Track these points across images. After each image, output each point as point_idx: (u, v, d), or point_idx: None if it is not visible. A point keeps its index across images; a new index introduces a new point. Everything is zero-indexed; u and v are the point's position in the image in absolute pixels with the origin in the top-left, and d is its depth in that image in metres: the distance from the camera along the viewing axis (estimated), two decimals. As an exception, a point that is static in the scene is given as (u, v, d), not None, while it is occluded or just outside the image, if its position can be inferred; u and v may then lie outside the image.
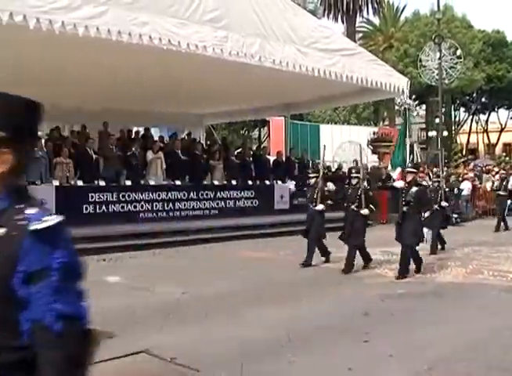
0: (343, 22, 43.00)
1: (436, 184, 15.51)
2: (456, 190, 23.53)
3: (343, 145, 29.41)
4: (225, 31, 14.02)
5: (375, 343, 6.54)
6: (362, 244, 11.58)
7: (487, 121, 56.19)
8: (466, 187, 24.14)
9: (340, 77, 16.95)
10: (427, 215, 10.88)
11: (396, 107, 43.96)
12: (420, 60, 31.33)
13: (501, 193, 20.58)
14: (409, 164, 11.40)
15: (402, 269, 10.66)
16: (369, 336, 6.76)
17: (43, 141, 16.42)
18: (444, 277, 11.00)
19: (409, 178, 11.04)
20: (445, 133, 37.58)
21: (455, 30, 41.01)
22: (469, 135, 55.74)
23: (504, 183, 20.75)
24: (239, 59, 14.36)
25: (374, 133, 23.92)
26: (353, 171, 12.76)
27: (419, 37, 40.68)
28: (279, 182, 19.89)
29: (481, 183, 26.88)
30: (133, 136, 19.71)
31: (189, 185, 17.75)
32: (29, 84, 15.74)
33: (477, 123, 56.59)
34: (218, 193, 17.93)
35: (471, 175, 26.43)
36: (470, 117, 54.80)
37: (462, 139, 54.52)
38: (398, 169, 12.26)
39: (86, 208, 14.81)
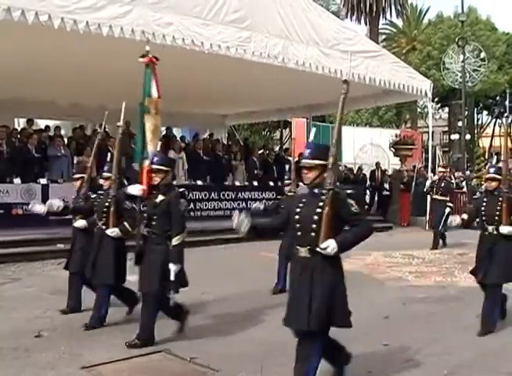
0: (366, 24, 42.73)
1: (288, 189, 9.98)
2: (477, 194, 23.37)
3: (364, 147, 29.31)
4: (249, 32, 14.05)
5: (395, 347, 6.51)
6: (114, 283, 7.44)
7: (510, 124, 55.66)
8: (488, 191, 23.88)
9: (363, 79, 16.92)
10: (175, 242, 6.76)
11: (419, 110, 43.98)
12: (444, 63, 31.17)
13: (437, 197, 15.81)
14: (157, 159, 6.89)
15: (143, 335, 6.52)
16: (389, 340, 6.73)
17: (66, 140, 16.54)
18: (465, 282, 10.89)
19: (157, 179, 6.79)
20: (468, 136, 37.34)
21: (479, 32, 40.68)
22: (492, 139, 55.28)
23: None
24: (262, 60, 14.37)
25: (396, 136, 23.79)
26: (105, 167, 7.99)
27: (442, 39, 40.41)
28: (301, 184, 19.81)
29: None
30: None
31: (210, 185, 17.80)
32: (52, 84, 15.94)
33: (500, 126, 56.08)
34: (240, 194, 17.95)
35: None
36: (493, 120, 54.38)
37: (484, 142, 54.11)
38: (140, 165, 7.28)
39: (108, 207, 14.88)
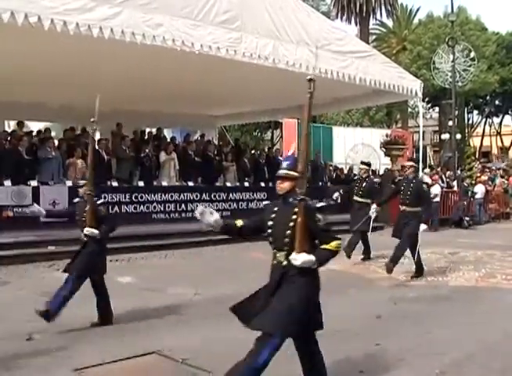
0: (356, 24, 42.95)
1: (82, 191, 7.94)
2: (469, 193, 23.47)
3: (355, 147, 29.37)
4: (239, 33, 14.04)
5: (387, 346, 6.51)
6: None
7: (500, 123, 55.98)
8: (479, 190, 24.02)
9: (354, 80, 16.94)
10: None
11: (409, 110, 44.09)
12: (434, 63, 31.21)
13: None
14: None
15: None
16: (381, 339, 6.73)
17: (56, 142, 16.49)
18: (456, 281, 10.94)
19: None
20: (459, 136, 37.45)
21: (468, 32, 40.87)
22: (482, 138, 55.52)
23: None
24: (252, 61, 14.38)
25: (387, 136, 23.82)
26: None
27: (432, 39, 40.55)
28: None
29: (494, 186, 26.77)
30: (146, 137, 19.74)
31: (201, 186, 17.77)
32: (42, 86, 15.89)
33: (490, 126, 56.38)
34: (231, 195, 17.94)
35: (485, 178, 26.31)
36: (484, 119, 54.60)
37: (475, 141, 54.36)
38: None
39: (99, 209, 14.82)
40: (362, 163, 14.08)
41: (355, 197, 13.30)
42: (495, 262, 13.21)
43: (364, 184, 13.27)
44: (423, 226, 10.69)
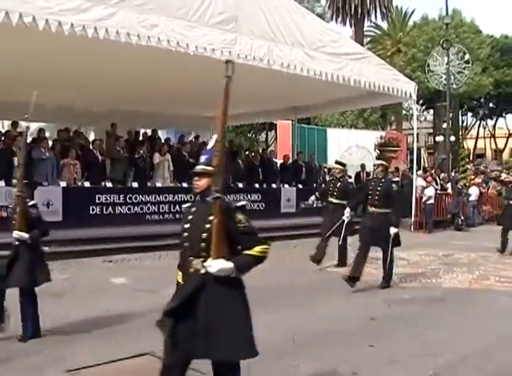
0: (351, 26, 42.98)
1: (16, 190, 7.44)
2: (462, 195, 23.52)
3: (350, 149, 29.40)
4: (234, 34, 14.01)
5: (380, 348, 6.52)
6: None
7: (494, 126, 56.15)
8: (473, 193, 24.08)
9: (348, 81, 16.93)
10: None
11: (404, 112, 44.17)
12: (428, 65, 31.29)
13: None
14: None
15: None
16: (374, 341, 6.75)
17: (50, 142, 16.44)
18: (450, 283, 10.97)
19: None
20: (453, 138, 37.52)
21: (463, 35, 40.93)
22: (476, 141, 55.70)
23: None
24: (247, 62, 14.36)
25: (381, 137, 23.82)
26: None
27: (427, 41, 40.61)
28: (286, 186, 19.89)
29: (488, 188, 26.84)
30: (141, 138, 19.71)
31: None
32: (38, 86, 15.84)
33: (484, 128, 56.55)
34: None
35: (479, 180, 26.38)
36: (478, 122, 54.75)
37: (469, 144, 54.52)
38: None
39: (93, 210, 14.80)
40: (337, 162, 13.89)
41: (330, 198, 12.97)
42: (489, 264, 13.26)
43: (339, 184, 12.97)
44: (393, 230, 10.13)
